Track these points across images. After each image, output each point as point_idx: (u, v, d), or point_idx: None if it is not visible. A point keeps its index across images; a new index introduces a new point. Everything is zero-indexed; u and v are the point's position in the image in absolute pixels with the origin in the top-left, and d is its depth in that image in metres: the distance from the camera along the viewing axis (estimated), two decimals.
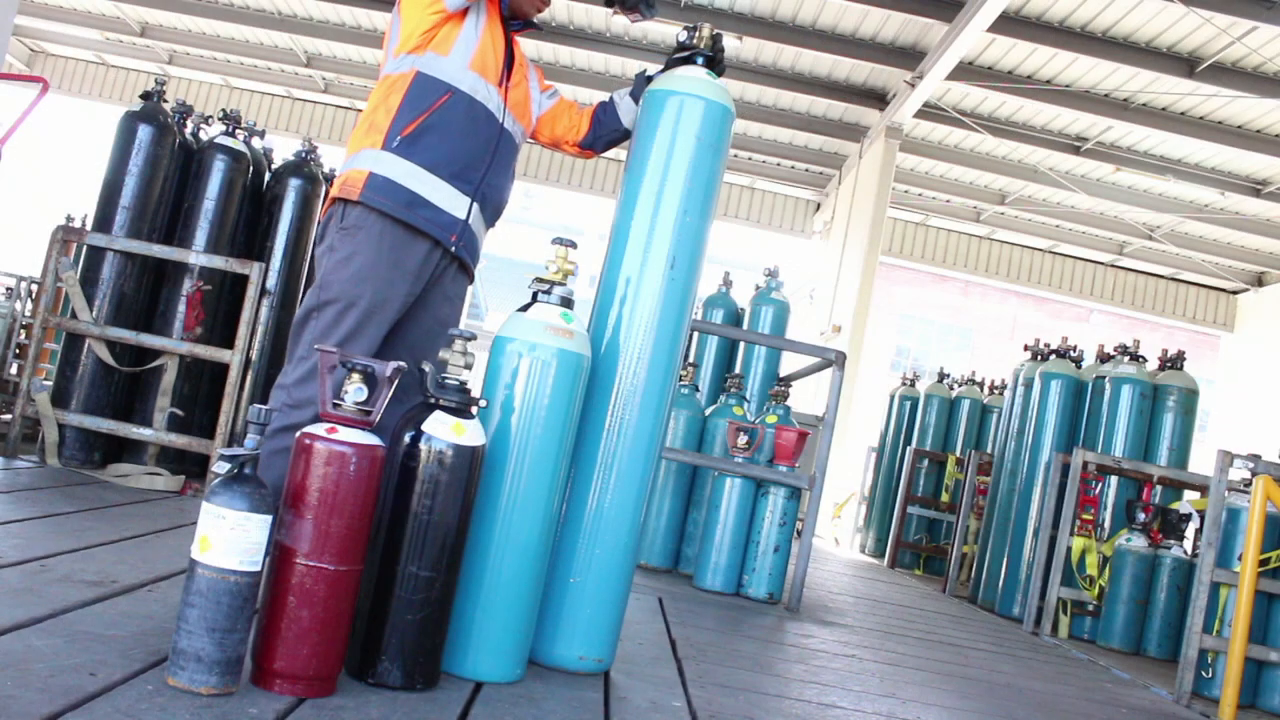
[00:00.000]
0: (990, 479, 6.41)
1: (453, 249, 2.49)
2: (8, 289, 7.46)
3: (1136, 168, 11.94)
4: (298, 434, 1.83)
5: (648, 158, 2.46)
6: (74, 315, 4.15)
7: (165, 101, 4.43)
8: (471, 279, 2.67)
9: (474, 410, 2.02)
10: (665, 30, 10.67)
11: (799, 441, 4.41)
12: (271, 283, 4.40)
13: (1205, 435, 14.46)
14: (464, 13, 2.47)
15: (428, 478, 1.93)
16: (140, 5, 12.92)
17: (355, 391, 1.86)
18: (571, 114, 2.77)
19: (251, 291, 4.12)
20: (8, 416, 4.72)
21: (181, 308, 4.25)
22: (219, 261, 4.16)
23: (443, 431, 1.95)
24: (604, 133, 2.75)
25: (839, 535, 10.16)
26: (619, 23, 10.91)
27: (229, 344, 4.20)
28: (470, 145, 2.47)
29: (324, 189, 4.63)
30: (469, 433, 1.97)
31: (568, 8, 10.81)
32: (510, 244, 31.29)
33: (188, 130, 4.53)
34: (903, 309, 21.77)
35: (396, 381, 1.89)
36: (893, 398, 9.13)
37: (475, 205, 2.51)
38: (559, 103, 2.77)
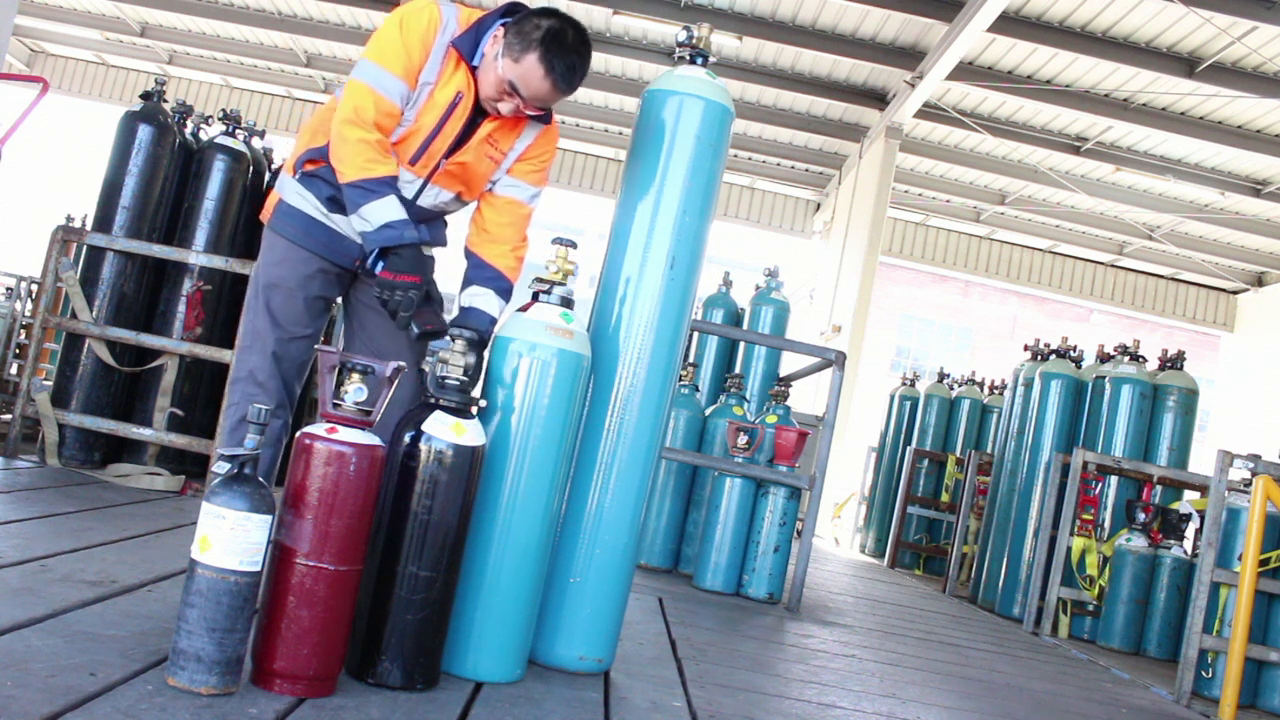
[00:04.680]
0: (990, 479, 6.41)
1: (359, 271, 2.47)
2: (8, 289, 7.47)
3: (1136, 168, 11.94)
4: (298, 434, 1.83)
5: (647, 158, 2.46)
6: (74, 315, 4.15)
7: (165, 101, 4.43)
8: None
9: (474, 410, 2.02)
10: (665, 30, 10.67)
11: (799, 441, 4.41)
12: None
13: (1205, 435, 14.45)
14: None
15: (428, 478, 1.93)
16: (140, 5, 12.92)
17: (355, 391, 1.86)
18: (499, 228, 2.46)
19: None
20: (8, 416, 4.72)
21: (181, 308, 4.25)
22: (219, 261, 4.16)
23: (443, 431, 1.95)
24: (468, 270, 2.46)
25: (839, 535, 10.16)
26: (619, 23, 10.91)
27: (229, 344, 4.19)
28: None
29: None
30: (469, 433, 1.97)
31: (568, 8, 10.81)
32: None
33: (188, 130, 4.53)
34: (903, 309, 21.77)
35: (396, 381, 1.90)
36: (893, 398, 9.13)
37: None
38: (507, 205, 2.46)
